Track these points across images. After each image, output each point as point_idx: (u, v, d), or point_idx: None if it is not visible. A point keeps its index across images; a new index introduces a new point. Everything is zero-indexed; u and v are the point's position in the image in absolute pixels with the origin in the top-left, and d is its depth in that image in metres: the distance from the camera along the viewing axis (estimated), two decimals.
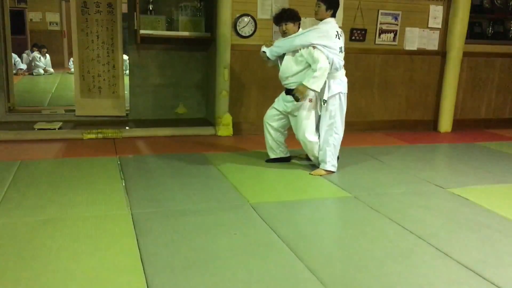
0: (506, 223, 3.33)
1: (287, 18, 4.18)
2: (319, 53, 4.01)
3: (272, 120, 4.46)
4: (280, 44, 4.22)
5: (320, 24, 4.15)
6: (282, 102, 4.37)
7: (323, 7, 4.09)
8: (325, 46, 4.04)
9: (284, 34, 4.22)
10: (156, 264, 2.53)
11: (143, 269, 2.48)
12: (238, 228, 3.07)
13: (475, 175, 4.50)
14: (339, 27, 4.24)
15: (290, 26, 4.18)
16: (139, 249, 2.71)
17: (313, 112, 4.21)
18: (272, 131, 4.49)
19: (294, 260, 2.65)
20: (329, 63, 4.04)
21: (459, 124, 6.62)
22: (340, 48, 4.15)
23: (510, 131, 6.70)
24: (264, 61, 4.46)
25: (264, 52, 4.32)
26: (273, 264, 2.60)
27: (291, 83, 4.22)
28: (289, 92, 4.24)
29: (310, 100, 4.18)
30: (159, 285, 2.33)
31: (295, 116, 4.29)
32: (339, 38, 4.14)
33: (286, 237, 2.93)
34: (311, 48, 4.04)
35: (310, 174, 4.30)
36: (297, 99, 4.11)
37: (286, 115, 4.39)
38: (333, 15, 4.16)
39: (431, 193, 3.94)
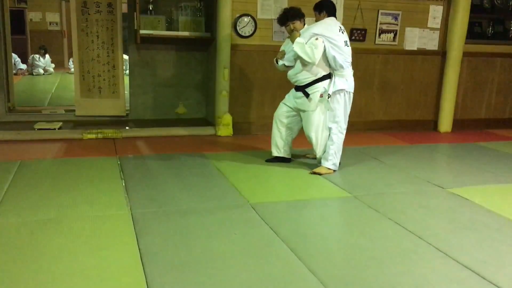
0: (506, 223, 3.33)
1: (292, 17, 4.22)
2: (320, 43, 4.06)
3: (283, 117, 4.46)
4: (290, 49, 4.23)
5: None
6: (292, 99, 4.39)
7: (316, 13, 4.32)
8: (328, 38, 4.10)
9: (292, 32, 4.22)
10: (156, 264, 2.53)
11: (143, 269, 2.48)
12: (238, 228, 3.07)
13: (475, 175, 4.50)
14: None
15: (297, 23, 4.23)
16: (139, 249, 2.70)
17: (323, 108, 4.22)
18: (282, 128, 4.48)
19: (294, 260, 2.65)
20: (330, 59, 4.14)
21: (459, 124, 6.62)
22: (345, 42, 4.20)
23: (510, 131, 6.70)
24: (277, 68, 4.45)
25: (282, 64, 4.33)
26: (273, 264, 2.60)
27: (299, 80, 4.27)
28: (299, 88, 4.29)
29: (321, 96, 4.19)
30: (159, 285, 2.33)
31: (305, 112, 4.30)
32: (342, 33, 4.21)
33: (286, 237, 2.93)
34: (313, 38, 4.09)
35: (310, 173, 4.30)
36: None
37: (297, 111, 4.40)
38: (330, 15, 4.27)
39: (431, 193, 3.94)
